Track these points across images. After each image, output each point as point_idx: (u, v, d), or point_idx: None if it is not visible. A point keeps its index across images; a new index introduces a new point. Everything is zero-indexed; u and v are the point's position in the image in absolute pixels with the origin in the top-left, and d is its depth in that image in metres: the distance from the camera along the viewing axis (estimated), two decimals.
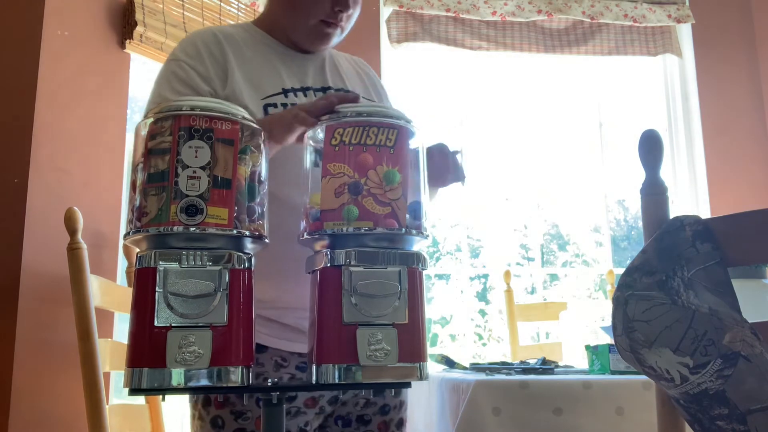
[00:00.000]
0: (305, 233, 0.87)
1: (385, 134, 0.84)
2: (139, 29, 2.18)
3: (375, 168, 0.82)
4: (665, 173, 1.47)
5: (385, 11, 3.10)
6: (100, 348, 1.61)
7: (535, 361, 1.68)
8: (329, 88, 1.39)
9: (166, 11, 2.32)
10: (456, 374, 1.53)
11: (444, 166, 1.36)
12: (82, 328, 1.59)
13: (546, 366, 1.55)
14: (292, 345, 1.24)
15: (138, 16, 2.19)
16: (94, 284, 1.68)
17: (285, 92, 1.31)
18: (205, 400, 1.21)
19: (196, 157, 0.78)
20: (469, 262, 3.61)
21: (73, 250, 1.65)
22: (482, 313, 4.11)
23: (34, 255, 1.82)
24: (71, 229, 1.67)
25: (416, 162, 0.88)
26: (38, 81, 1.89)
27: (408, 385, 0.82)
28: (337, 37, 1.41)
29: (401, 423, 1.51)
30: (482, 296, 4.14)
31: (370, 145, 0.83)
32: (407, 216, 0.84)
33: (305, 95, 1.33)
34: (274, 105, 1.27)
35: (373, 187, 0.82)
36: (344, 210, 0.81)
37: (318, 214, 0.84)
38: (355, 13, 1.41)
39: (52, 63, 1.94)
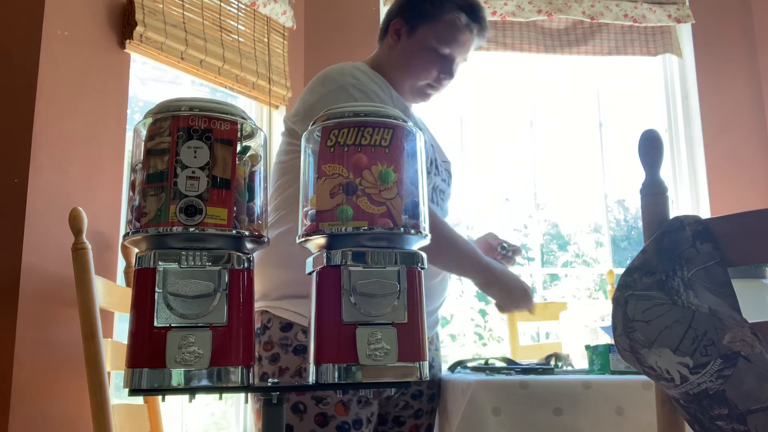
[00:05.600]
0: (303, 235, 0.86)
1: (380, 134, 0.83)
2: (139, 29, 2.18)
3: (370, 168, 0.82)
4: (665, 173, 1.47)
5: (385, 11, 3.09)
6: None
7: (537, 360, 1.67)
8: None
9: (166, 11, 2.32)
10: (456, 374, 1.53)
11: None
12: (87, 329, 1.57)
13: (546, 366, 1.54)
14: None
15: (138, 16, 2.19)
16: (98, 284, 1.67)
17: None
18: None
19: (195, 157, 0.78)
20: None
21: (78, 250, 1.64)
22: (482, 313, 4.11)
23: (34, 255, 1.82)
24: (76, 229, 1.66)
25: (414, 162, 0.87)
26: (38, 81, 1.89)
27: (408, 384, 0.82)
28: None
29: (430, 428, 1.56)
30: (482, 296, 4.13)
31: (365, 145, 0.83)
32: (404, 216, 0.83)
33: None
34: None
35: (368, 187, 0.82)
36: (338, 210, 0.81)
37: (315, 216, 0.84)
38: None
39: (52, 63, 1.94)
